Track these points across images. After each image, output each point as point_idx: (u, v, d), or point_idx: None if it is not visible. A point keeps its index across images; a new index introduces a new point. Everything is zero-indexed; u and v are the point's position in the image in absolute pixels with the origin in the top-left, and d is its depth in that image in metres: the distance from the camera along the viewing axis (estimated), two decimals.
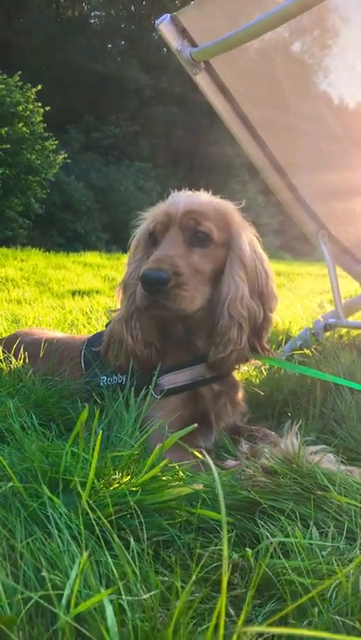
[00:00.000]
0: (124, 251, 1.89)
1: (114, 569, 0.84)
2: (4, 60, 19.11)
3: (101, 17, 37.18)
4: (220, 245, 1.68)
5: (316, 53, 3.02)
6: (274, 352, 1.86)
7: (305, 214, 3.03)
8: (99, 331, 2.06)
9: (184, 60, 2.63)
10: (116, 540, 0.89)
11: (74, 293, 6.09)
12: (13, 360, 1.95)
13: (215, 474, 0.78)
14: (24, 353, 1.97)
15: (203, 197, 1.76)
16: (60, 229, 21.00)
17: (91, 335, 2.05)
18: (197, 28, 2.55)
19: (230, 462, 1.51)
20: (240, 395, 1.89)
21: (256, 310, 1.69)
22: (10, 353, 1.99)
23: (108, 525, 0.91)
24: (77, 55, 28.25)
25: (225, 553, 0.58)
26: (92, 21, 36.80)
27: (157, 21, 2.51)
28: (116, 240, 20.89)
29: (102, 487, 1.12)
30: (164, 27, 2.54)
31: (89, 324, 3.49)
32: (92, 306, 4.59)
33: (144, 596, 0.73)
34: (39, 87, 18.43)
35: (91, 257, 12.00)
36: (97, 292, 6.26)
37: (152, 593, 0.73)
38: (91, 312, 4.13)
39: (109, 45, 33.74)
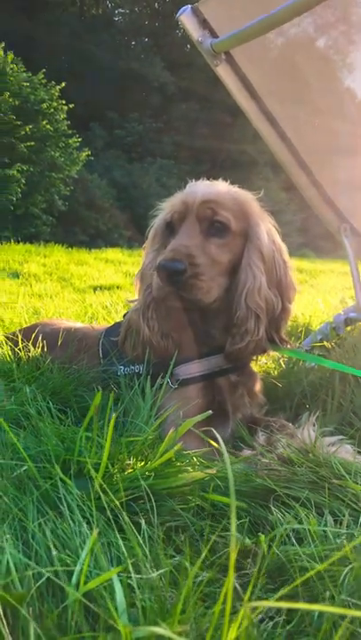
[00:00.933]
0: None
1: (124, 550, 0.84)
2: (28, 58, 19.23)
3: (125, 14, 37.29)
4: (237, 235, 1.66)
5: (342, 49, 2.99)
6: (292, 344, 1.84)
7: (328, 209, 3.00)
8: (117, 321, 2.06)
9: (205, 52, 2.63)
10: (126, 519, 0.89)
11: (95, 289, 6.13)
12: (32, 348, 1.96)
13: (226, 456, 0.78)
14: (42, 342, 1.98)
15: (220, 187, 1.75)
16: (82, 227, 21.08)
17: (109, 325, 2.06)
18: (218, 18, 2.55)
19: (246, 452, 1.50)
20: (258, 386, 1.88)
21: (274, 301, 1.67)
22: (29, 342, 2.01)
23: (119, 506, 0.91)
24: (101, 53, 28.37)
25: (233, 527, 0.58)
26: (116, 19, 36.91)
27: (179, 12, 2.50)
28: (138, 237, 20.89)
29: (116, 472, 1.12)
30: (185, 18, 2.53)
31: (109, 316, 3.50)
32: (113, 300, 4.61)
33: (152, 575, 0.73)
34: (63, 85, 18.56)
35: (112, 253, 12.05)
36: (118, 288, 6.29)
37: (160, 572, 0.73)
38: (111, 306, 4.15)
39: (133, 43, 33.79)
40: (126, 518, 0.89)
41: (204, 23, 2.61)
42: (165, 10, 36.13)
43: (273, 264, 1.69)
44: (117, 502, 0.94)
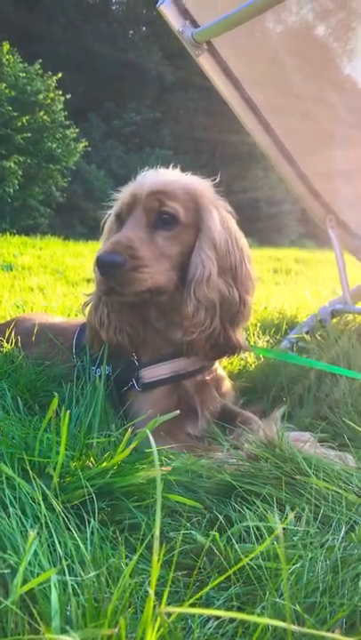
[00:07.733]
0: None
1: (69, 550, 0.84)
2: (24, 49, 19.11)
3: (122, 3, 36.96)
4: (188, 227, 1.59)
5: (341, 36, 2.94)
6: (247, 348, 1.74)
7: (314, 201, 2.98)
8: None
9: (186, 42, 2.59)
10: (71, 518, 0.88)
11: (89, 281, 6.10)
12: (5, 344, 1.95)
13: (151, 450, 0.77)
14: (16, 338, 1.97)
15: (170, 176, 1.68)
16: (81, 218, 21.02)
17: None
18: (199, 7, 2.51)
19: (218, 454, 1.46)
20: (225, 387, 1.85)
21: (228, 291, 1.58)
22: (5, 338, 2.00)
23: (60, 507, 0.90)
24: (98, 42, 28.19)
25: (157, 522, 0.57)
26: (114, 8, 36.64)
27: (158, 2, 2.47)
28: None
29: (75, 471, 1.11)
30: (166, 8, 2.50)
31: None
32: None
33: (85, 577, 0.72)
34: (60, 75, 18.45)
35: None
36: None
37: (93, 574, 0.73)
38: None
39: (130, 32, 33.56)
40: (74, 520, 0.88)
41: (185, 13, 2.58)
42: None
43: (227, 253, 1.60)
44: (68, 505, 0.93)
